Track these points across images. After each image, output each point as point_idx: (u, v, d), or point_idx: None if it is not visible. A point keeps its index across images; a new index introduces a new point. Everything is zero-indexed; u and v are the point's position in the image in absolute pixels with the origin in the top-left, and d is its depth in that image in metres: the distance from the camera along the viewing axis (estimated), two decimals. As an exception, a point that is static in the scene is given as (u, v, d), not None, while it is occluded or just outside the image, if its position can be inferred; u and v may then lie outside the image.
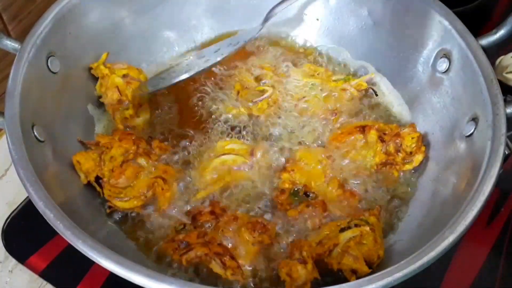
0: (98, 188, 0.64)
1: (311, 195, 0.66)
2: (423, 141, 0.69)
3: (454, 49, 0.66)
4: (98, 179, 0.64)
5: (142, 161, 0.65)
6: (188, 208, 0.64)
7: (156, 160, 0.67)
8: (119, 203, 0.62)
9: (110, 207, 0.63)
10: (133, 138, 0.67)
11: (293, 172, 0.66)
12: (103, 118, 0.73)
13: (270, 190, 0.67)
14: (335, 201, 0.65)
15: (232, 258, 0.58)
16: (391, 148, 0.68)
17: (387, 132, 0.68)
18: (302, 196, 0.66)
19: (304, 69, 0.78)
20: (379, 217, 0.62)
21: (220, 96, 0.76)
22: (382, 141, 0.68)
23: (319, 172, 0.67)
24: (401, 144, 0.67)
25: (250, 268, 0.59)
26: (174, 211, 0.64)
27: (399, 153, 0.68)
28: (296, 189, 0.66)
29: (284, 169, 0.67)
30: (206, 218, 0.62)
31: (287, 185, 0.66)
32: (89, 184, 0.64)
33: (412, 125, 0.69)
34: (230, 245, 0.59)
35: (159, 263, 0.60)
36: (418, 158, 0.68)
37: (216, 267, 0.57)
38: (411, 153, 0.67)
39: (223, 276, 0.57)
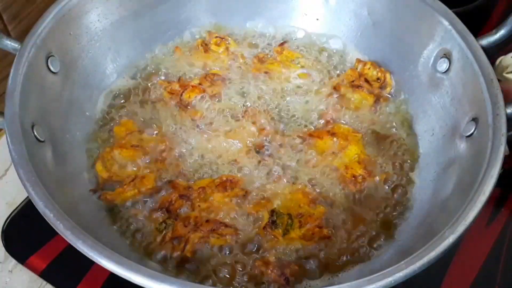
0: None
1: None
2: (379, 65, 0.76)
3: (454, 49, 0.66)
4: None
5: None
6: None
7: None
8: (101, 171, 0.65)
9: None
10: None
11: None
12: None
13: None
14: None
15: (226, 225, 0.59)
16: (368, 85, 0.74)
17: (353, 79, 0.75)
18: (287, 219, 0.61)
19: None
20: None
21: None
22: (358, 87, 0.74)
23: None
24: (367, 79, 0.75)
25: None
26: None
27: (373, 86, 0.75)
28: (273, 215, 0.61)
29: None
30: (179, 204, 0.62)
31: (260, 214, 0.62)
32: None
33: (357, 60, 0.77)
34: (213, 215, 0.60)
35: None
36: (387, 77, 0.75)
37: (216, 241, 0.58)
38: (379, 79, 0.75)
39: (225, 244, 0.59)
